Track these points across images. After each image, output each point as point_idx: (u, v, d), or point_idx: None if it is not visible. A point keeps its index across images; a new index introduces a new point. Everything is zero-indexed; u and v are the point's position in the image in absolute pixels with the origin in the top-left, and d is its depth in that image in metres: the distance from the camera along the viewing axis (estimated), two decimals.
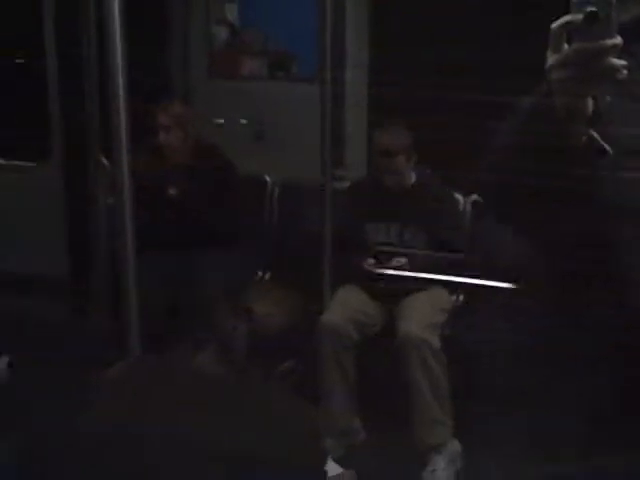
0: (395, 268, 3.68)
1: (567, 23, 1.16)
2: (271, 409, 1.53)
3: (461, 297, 3.88)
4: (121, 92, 1.85)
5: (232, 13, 4.56)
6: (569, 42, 1.17)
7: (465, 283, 3.85)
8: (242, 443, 1.48)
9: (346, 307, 3.63)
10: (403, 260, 3.68)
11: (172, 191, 3.92)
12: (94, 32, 4.27)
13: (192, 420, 1.49)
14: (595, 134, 1.21)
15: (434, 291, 3.74)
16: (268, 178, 4.48)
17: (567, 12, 1.18)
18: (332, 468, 3.21)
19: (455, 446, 3.55)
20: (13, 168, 5.19)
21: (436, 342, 3.51)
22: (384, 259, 3.71)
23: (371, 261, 3.72)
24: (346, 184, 4.14)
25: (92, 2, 4.26)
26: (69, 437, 1.67)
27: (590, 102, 1.19)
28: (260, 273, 4.24)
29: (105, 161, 4.50)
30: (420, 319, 3.53)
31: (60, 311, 4.88)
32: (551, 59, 1.19)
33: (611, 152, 1.21)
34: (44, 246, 5.03)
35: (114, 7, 1.88)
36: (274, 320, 1.61)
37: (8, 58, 5.17)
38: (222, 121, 4.54)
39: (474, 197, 4.09)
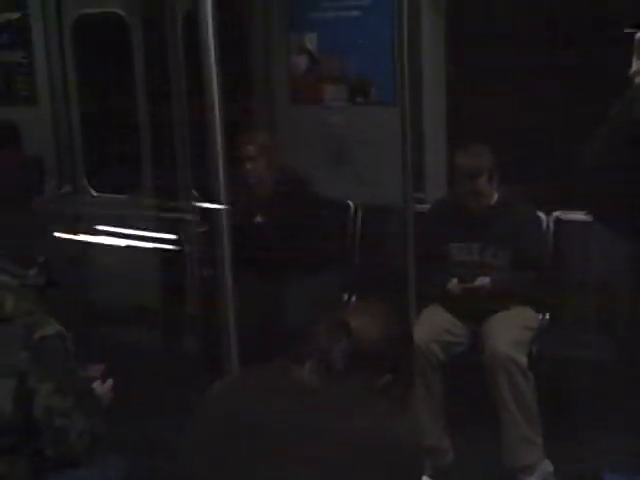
0: (479, 287, 3.70)
1: None
2: (371, 421, 1.59)
3: (547, 315, 3.87)
4: (218, 126, 1.96)
5: (311, 42, 4.70)
6: None
7: (551, 300, 3.85)
8: (338, 456, 1.54)
9: (431, 327, 3.67)
10: (486, 279, 3.70)
11: (259, 218, 4.04)
12: (183, 69, 4.47)
13: (294, 432, 1.57)
14: None
15: (519, 309, 3.74)
16: (351, 202, 4.56)
17: None
18: None
19: (547, 466, 3.53)
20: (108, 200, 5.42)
21: (523, 360, 3.51)
22: (467, 278, 3.73)
23: (454, 281, 3.75)
24: (427, 206, 4.19)
25: (179, 45, 4.46)
26: (178, 451, 1.77)
27: None
28: (346, 295, 4.32)
29: (195, 192, 4.69)
30: (506, 337, 3.54)
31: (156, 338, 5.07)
32: (636, 65, 1.24)
33: None
34: (137, 275, 5.23)
35: (209, 42, 1.98)
36: (371, 334, 1.68)
37: (102, 103, 5.42)
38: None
39: (556, 214, 4.09)
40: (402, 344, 1.74)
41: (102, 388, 2.61)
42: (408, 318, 3.39)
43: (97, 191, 5.49)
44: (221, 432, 1.65)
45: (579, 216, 3.98)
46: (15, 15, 5.55)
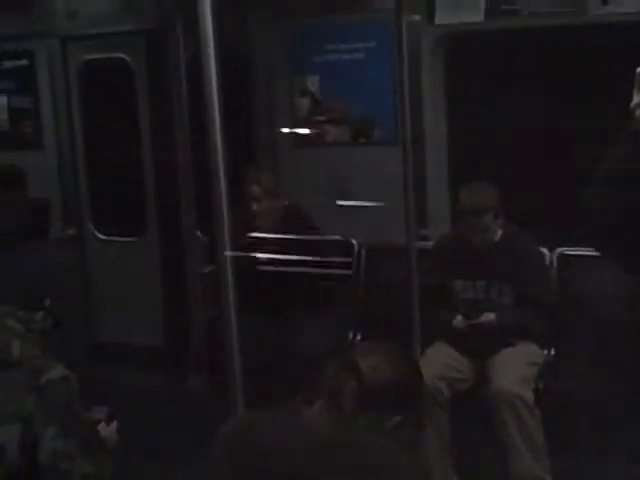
0: (484, 324, 3.70)
1: None
2: (381, 462, 1.59)
3: (552, 351, 3.86)
4: (221, 168, 2.00)
5: (314, 85, 4.76)
6: None
7: (556, 336, 3.84)
8: None
9: (437, 364, 3.67)
10: (492, 315, 3.71)
11: (264, 257, 4.06)
12: (187, 113, 4.53)
13: (305, 473, 1.56)
14: None
15: (524, 345, 3.74)
16: (354, 240, 4.59)
17: None
18: None
19: None
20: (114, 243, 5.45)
21: (529, 396, 3.51)
22: (472, 315, 3.74)
23: (460, 318, 3.75)
24: (430, 243, 4.21)
25: (183, 89, 4.52)
26: None
27: None
28: (351, 333, 4.32)
29: (199, 234, 4.73)
30: (512, 374, 3.54)
31: (157, 378, 5.06)
32: (637, 98, 1.28)
33: None
34: (142, 315, 5.25)
35: (212, 86, 2.02)
36: (381, 375, 1.67)
37: (112, 154, 5.49)
38: None
39: (560, 250, 4.11)
40: (412, 385, 1.73)
41: (107, 430, 2.61)
42: (416, 358, 3.39)
43: (102, 234, 5.52)
44: (235, 472, 1.64)
45: (583, 252, 4.01)
46: (22, 62, 5.64)
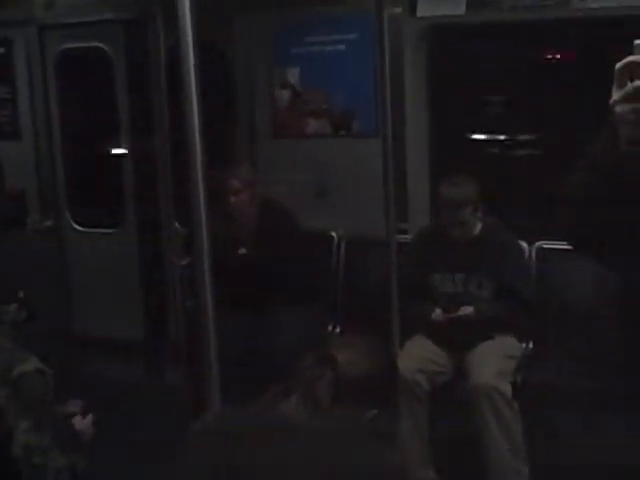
0: (462, 317, 3.71)
1: (630, 63, 1.28)
2: (355, 455, 1.58)
3: (530, 344, 3.88)
4: (198, 160, 1.97)
5: (294, 77, 4.73)
6: (631, 80, 1.28)
7: (534, 330, 3.86)
8: None
9: (416, 357, 3.67)
10: (470, 309, 3.71)
11: (242, 251, 4.05)
12: (165, 103, 4.49)
13: (282, 470, 1.55)
14: None
15: (502, 338, 3.74)
16: (334, 233, 4.58)
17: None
18: None
19: None
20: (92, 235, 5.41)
21: (507, 389, 3.51)
22: (451, 308, 3.74)
23: (438, 311, 3.76)
24: (410, 236, 4.21)
25: (162, 79, 4.48)
26: None
27: None
28: (330, 326, 4.31)
29: (178, 226, 4.70)
30: (490, 367, 3.55)
31: (136, 372, 5.03)
32: (615, 95, 1.30)
33: None
34: (120, 307, 5.21)
35: (190, 77, 2.00)
36: (358, 368, 1.67)
37: (90, 144, 5.44)
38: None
39: (539, 244, 4.12)
40: (388, 378, 1.73)
41: (82, 423, 2.58)
42: (393, 352, 3.39)
43: (80, 225, 5.48)
44: (210, 469, 1.63)
45: (561, 245, 4.02)
46: None
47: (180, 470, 1.66)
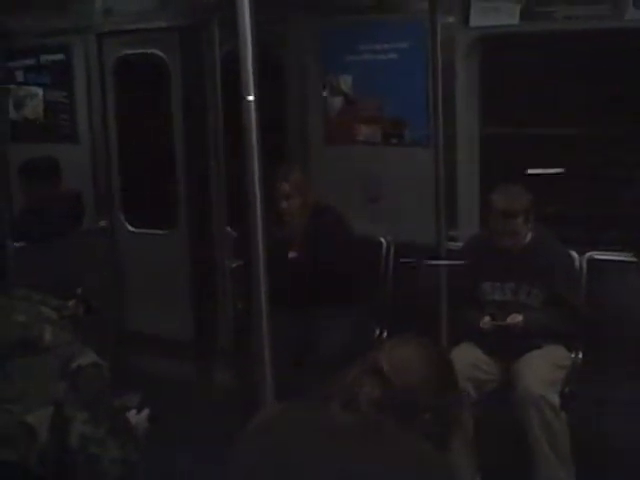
0: (511, 325, 3.70)
1: None
2: (403, 463, 1.57)
3: (580, 354, 3.85)
4: (256, 164, 2.02)
5: (346, 84, 4.78)
6: None
7: (583, 339, 3.83)
8: None
9: (463, 364, 3.66)
10: (519, 317, 3.70)
11: (292, 254, 4.09)
12: (221, 108, 4.56)
13: (330, 470, 1.57)
14: None
15: (551, 348, 3.73)
16: (383, 239, 4.60)
17: None
18: None
19: None
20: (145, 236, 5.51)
21: (555, 399, 3.50)
22: (500, 317, 3.74)
23: (487, 319, 3.76)
24: (459, 244, 4.21)
25: (218, 85, 4.55)
26: None
27: None
28: (377, 331, 4.33)
29: (229, 229, 4.77)
30: (538, 376, 3.53)
31: (185, 371, 5.11)
32: None
33: None
34: (171, 308, 5.30)
35: (249, 83, 2.04)
36: (406, 373, 1.66)
37: (144, 148, 5.54)
38: None
39: (590, 254, 4.09)
40: (443, 379, 1.71)
41: (138, 418, 2.65)
42: (448, 357, 3.40)
43: (133, 226, 5.59)
44: (263, 466, 1.65)
45: (612, 256, 3.99)
46: (59, 56, 5.72)
47: (233, 466, 1.70)
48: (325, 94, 4.83)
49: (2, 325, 2.49)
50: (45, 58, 5.81)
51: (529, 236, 3.80)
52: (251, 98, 2.07)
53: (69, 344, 2.51)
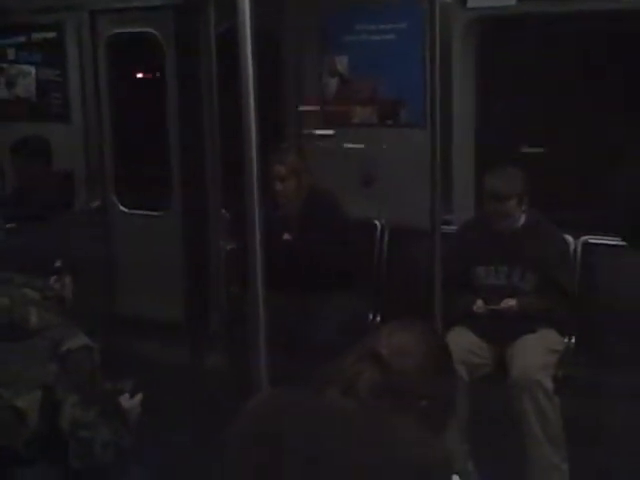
0: (505, 309, 3.70)
1: None
2: (401, 447, 1.56)
3: (572, 338, 3.85)
4: (253, 146, 1.99)
5: (342, 64, 4.74)
6: None
7: (577, 323, 3.83)
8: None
9: (457, 349, 3.65)
10: (513, 301, 3.70)
11: (286, 236, 4.07)
12: (216, 87, 4.52)
13: (327, 456, 1.55)
14: None
15: (545, 332, 3.73)
16: (377, 222, 4.58)
17: None
18: None
19: None
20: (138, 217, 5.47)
21: (548, 383, 3.50)
22: (494, 301, 3.73)
23: (480, 303, 3.75)
24: (454, 227, 4.20)
25: (214, 62, 4.51)
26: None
27: None
28: (371, 314, 4.33)
29: (224, 211, 4.74)
30: (531, 360, 3.54)
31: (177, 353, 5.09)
32: None
33: None
34: (163, 290, 5.27)
35: (248, 63, 2.01)
36: (404, 359, 1.64)
37: (138, 128, 5.49)
38: None
39: (584, 238, 4.09)
40: (440, 365, 1.70)
41: (130, 402, 2.63)
42: (445, 342, 3.39)
43: (126, 207, 5.55)
44: (257, 450, 1.64)
45: (608, 240, 3.98)
46: (51, 34, 5.65)
47: (232, 444, 1.68)
48: (321, 74, 4.79)
49: None
50: (37, 36, 5.74)
51: (523, 219, 3.80)
52: (249, 77, 2.03)
53: (57, 326, 2.49)
